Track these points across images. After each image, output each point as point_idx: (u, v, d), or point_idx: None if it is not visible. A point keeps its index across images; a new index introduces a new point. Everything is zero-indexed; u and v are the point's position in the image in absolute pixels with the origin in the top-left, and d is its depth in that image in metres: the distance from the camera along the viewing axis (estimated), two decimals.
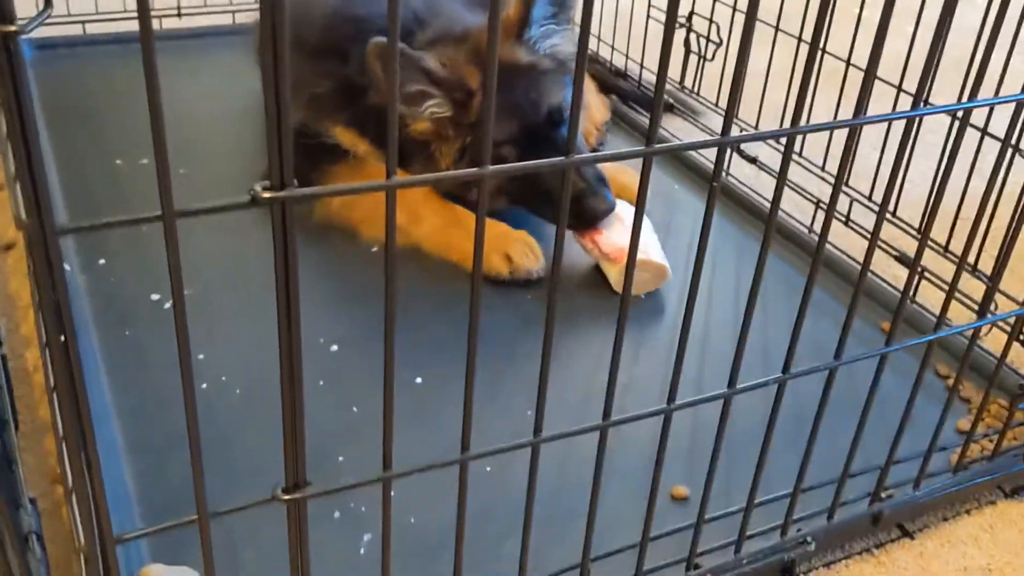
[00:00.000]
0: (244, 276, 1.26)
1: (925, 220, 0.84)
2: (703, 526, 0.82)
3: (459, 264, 1.32)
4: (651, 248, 1.30)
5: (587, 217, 1.29)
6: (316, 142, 1.36)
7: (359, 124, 1.36)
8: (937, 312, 0.88)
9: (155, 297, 1.22)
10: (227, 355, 1.12)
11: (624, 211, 1.32)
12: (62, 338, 0.49)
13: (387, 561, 0.66)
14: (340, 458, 0.99)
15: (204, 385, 1.07)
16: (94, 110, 1.69)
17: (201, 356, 1.09)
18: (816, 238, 1.43)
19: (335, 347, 1.16)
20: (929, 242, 1.20)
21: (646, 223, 1.34)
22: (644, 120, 1.80)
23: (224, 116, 1.69)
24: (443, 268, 1.32)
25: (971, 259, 1.21)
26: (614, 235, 1.29)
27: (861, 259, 0.76)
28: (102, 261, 1.29)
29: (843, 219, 1.42)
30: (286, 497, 0.59)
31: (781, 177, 0.68)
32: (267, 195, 0.49)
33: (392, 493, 0.64)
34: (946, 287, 0.92)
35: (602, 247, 1.29)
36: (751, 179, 1.59)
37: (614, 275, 1.30)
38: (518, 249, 1.31)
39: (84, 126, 1.64)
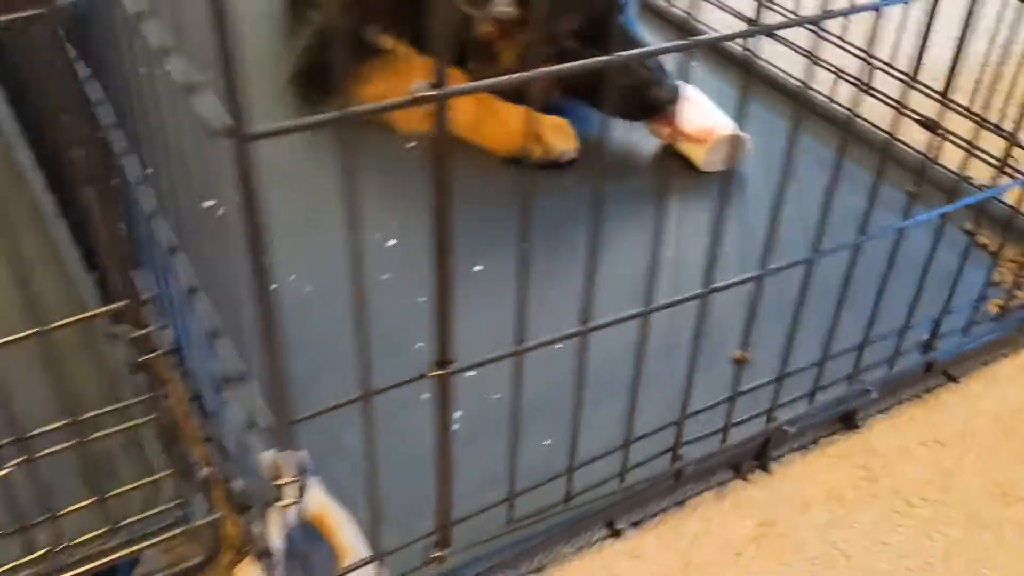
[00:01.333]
0: (293, 177, 1.28)
1: (947, 84, 0.88)
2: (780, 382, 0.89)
3: (491, 151, 1.35)
4: (729, 122, 1.33)
5: (650, 106, 1.32)
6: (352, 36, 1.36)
7: (410, 34, 1.36)
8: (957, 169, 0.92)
9: (207, 204, 1.24)
10: (292, 255, 1.15)
11: (688, 91, 1.34)
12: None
13: (519, 428, 0.72)
14: (418, 344, 1.04)
15: (275, 285, 1.11)
16: None
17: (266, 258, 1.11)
18: (835, 107, 1.47)
19: (392, 241, 1.19)
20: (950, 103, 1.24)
21: (705, 99, 1.37)
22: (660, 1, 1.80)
23: (245, 20, 1.66)
24: (477, 155, 1.35)
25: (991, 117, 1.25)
26: (691, 116, 1.32)
27: (878, 123, 0.77)
28: (149, 170, 1.29)
29: (864, 87, 1.44)
30: (438, 372, 0.64)
31: (811, 63, 0.71)
32: (430, 93, 0.53)
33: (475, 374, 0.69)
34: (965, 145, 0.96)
35: (684, 130, 1.31)
36: (765, 50, 1.61)
37: (701, 155, 1.31)
38: (550, 131, 1.34)
39: None
